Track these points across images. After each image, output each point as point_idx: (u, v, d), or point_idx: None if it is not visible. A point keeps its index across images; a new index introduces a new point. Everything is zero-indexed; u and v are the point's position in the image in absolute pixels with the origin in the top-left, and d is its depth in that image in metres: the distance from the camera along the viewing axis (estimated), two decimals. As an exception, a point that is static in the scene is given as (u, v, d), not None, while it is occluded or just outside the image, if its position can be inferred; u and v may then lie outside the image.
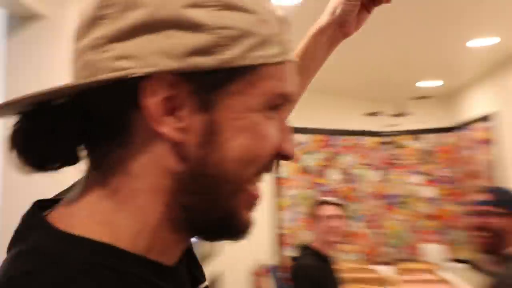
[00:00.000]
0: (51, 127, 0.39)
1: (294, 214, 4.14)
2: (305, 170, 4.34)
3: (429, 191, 4.57)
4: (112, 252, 0.37)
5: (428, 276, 3.49)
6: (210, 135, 0.39)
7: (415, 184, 4.58)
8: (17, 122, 0.40)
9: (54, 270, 0.35)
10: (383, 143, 4.66)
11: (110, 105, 0.39)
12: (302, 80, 0.64)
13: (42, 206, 0.42)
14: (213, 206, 0.41)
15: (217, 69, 0.38)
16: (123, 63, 0.37)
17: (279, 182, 4.12)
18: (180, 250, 0.44)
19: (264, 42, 0.39)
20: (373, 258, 4.33)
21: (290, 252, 3.60)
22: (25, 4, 1.44)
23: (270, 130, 0.41)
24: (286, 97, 0.42)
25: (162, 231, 0.40)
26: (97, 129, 0.40)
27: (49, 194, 0.47)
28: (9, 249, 0.40)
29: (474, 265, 3.56)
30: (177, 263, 0.44)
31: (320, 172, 4.41)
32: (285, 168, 4.20)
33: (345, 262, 3.50)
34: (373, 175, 4.59)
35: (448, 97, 4.60)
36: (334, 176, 4.46)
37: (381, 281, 3.21)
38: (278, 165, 0.44)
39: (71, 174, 0.46)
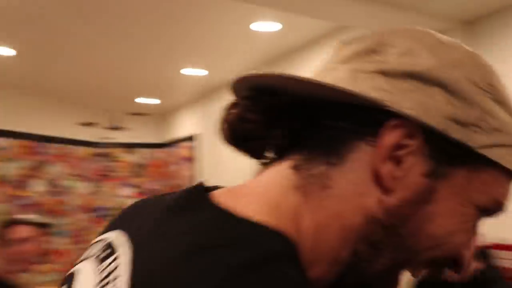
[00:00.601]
0: (269, 115, 0.40)
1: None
2: (2, 180, 3.76)
3: (139, 204, 4.71)
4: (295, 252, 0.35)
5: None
6: (423, 201, 0.37)
7: (125, 197, 4.65)
8: (238, 102, 0.41)
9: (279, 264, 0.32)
10: (97, 154, 4.55)
11: (344, 122, 0.39)
12: None
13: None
14: (370, 269, 0.39)
15: (460, 146, 0.37)
16: (381, 94, 0.36)
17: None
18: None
19: (511, 147, 0.39)
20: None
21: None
22: None
23: (470, 230, 0.41)
24: (499, 207, 0.41)
25: (329, 264, 0.38)
26: (315, 138, 0.40)
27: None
28: (169, 211, 0.38)
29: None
30: None
31: (21, 183, 3.90)
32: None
33: (41, 284, 3.17)
34: (83, 187, 4.41)
35: (163, 115, 4.94)
36: (38, 188, 4.03)
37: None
38: (443, 271, 0.45)
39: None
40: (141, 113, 4.51)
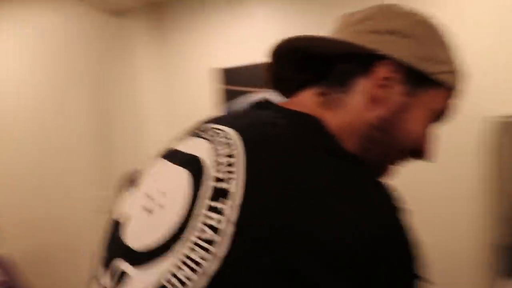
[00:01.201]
0: (304, 67, 0.64)
1: None
2: None
3: None
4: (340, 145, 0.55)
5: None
6: (402, 111, 0.58)
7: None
8: (277, 59, 0.64)
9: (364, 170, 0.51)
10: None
11: (350, 65, 0.58)
12: None
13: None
14: (376, 152, 0.59)
15: (426, 75, 0.58)
16: (376, 46, 0.57)
17: None
18: None
19: (451, 73, 0.61)
20: None
21: None
22: None
23: (426, 130, 0.61)
24: (445, 115, 0.64)
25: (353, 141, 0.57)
26: (331, 77, 0.60)
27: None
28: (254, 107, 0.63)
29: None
30: None
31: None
32: None
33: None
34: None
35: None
36: None
37: None
38: (409, 160, 0.63)
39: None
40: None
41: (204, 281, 0.41)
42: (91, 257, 1.20)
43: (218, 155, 0.49)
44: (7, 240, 2.77)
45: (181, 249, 0.44)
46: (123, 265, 0.48)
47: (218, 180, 0.46)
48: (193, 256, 0.43)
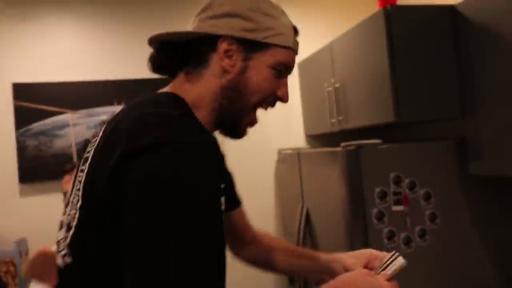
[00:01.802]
0: (171, 55, 0.83)
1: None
2: None
3: None
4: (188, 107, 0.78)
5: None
6: (243, 72, 0.79)
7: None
8: (154, 51, 0.85)
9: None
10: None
11: (203, 46, 0.80)
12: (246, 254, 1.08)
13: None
14: (233, 111, 0.80)
15: (255, 41, 0.79)
16: (215, 29, 0.79)
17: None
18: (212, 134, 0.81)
19: (281, 35, 0.80)
20: None
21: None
22: None
23: (273, 80, 0.81)
24: (287, 67, 0.83)
25: (211, 110, 0.81)
26: (192, 59, 0.82)
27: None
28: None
29: None
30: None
31: None
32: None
33: None
34: None
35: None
36: None
37: None
38: (274, 103, 0.85)
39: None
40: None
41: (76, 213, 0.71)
42: None
43: (93, 136, 0.80)
44: None
45: (71, 198, 0.75)
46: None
47: (87, 152, 0.76)
48: (73, 200, 0.73)
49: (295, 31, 0.84)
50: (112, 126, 0.70)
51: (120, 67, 2.83)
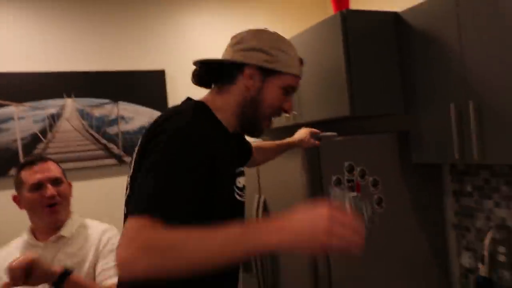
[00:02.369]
0: (210, 73, 1.19)
1: None
2: None
3: None
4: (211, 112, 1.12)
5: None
6: (260, 90, 1.13)
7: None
8: (196, 69, 1.21)
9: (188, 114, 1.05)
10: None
11: (234, 70, 1.13)
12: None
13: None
14: (251, 117, 1.15)
15: (272, 70, 1.12)
16: (243, 59, 1.12)
17: None
18: (234, 132, 1.19)
19: (290, 66, 1.14)
20: None
21: None
22: None
23: (282, 98, 1.15)
24: (293, 88, 1.17)
25: (232, 115, 1.15)
26: (224, 77, 1.16)
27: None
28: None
29: None
30: (233, 138, 1.19)
31: None
32: None
33: None
34: None
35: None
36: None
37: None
38: (281, 114, 1.18)
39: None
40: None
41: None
42: None
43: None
44: None
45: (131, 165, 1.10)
46: None
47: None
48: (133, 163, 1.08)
49: (301, 62, 1.18)
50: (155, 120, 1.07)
51: (71, 58, 2.74)
